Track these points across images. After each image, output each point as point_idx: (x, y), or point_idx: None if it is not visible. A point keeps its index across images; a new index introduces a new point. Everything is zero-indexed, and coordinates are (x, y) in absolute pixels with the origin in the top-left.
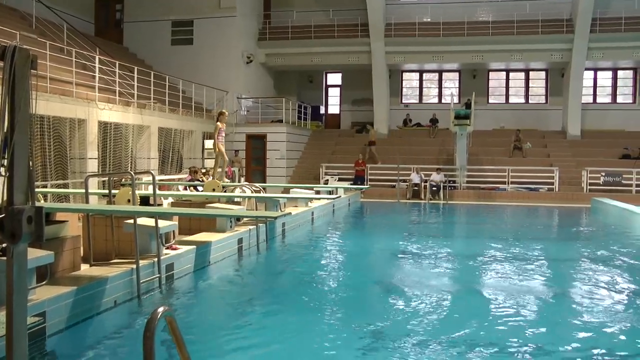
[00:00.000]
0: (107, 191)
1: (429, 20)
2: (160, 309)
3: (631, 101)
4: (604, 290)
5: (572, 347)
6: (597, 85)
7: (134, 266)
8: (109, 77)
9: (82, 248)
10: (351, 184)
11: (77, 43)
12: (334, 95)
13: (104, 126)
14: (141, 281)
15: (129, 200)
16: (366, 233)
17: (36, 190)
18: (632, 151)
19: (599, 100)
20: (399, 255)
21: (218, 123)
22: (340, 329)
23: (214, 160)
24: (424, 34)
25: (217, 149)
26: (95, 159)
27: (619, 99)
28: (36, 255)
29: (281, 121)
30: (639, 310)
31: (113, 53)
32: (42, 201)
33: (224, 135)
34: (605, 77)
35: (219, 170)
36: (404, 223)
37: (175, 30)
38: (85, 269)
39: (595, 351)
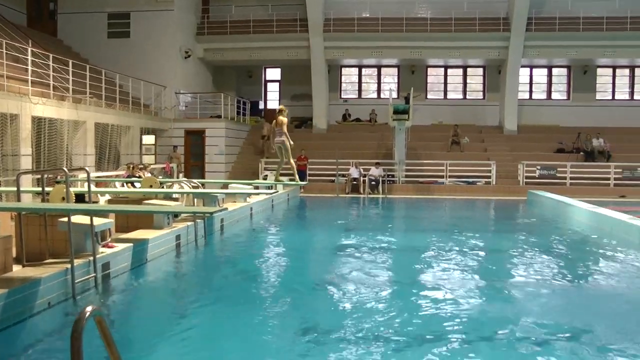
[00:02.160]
0: (40, 189)
1: (367, 15)
2: (89, 309)
3: (565, 97)
4: (540, 278)
5: (510, 333)
6: (533, 82)
7: (69, 266)
8: (43, 71)
9: (14, 248)
10: (290, 179)
11: (8, 34)
12: (273, 91)
13: (37, 122)
14: (76, 281)
15: (63, 198)
16: (305, 228)
17: None
18: (566, 145)
19: (534, 96)
20: (338, 250)
21: (284, 119)
22: (278, 325)
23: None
24: (363, 29)
25: (289, 143)
26: (29, 155)
27: (554, 96)
28: None
29: (220, 116)
30: (574, 295)
31: (47, 45)
32: None
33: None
34: (540, 74)
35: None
36: (344, 217)
37: (112, 23)
38: (17, 270)
39: (533, 337)
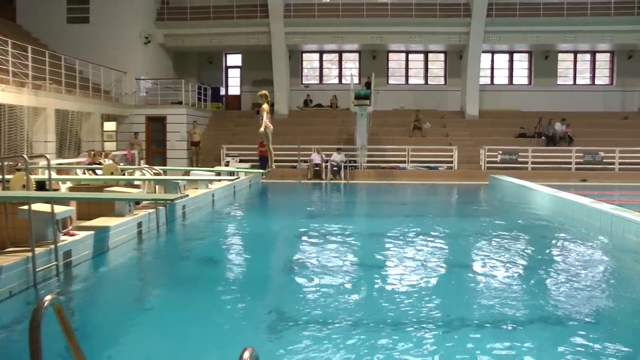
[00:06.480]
0: (0, 176)
1: (328, 0)
2: (47, 298)
3: (526, 83)
4: (503, 260)
5: (476, 316)
6: (494, 67)
7: (30, 254)
8: (1, 57)
9: None
10: (253, 166)
11: None
12: (234, 77)
13: None
14: (37, 270)
15: (24, 186)
16: (267, 214)
17: None
18: (527, 130)
19: (496, 81)
20: (301, 236)
21: (264, 106)
22: (242, 312)
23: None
24: (323, 14)
25: (266, 128)
26: None
27: (515, 81)
28: None
29: (181, 103)
30: (535, 277)
31: (5, 31)
32: None
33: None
34: (502, 60)
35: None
36: (306, 203)
37: (71, 8)
38: None
39: (496, 318)
